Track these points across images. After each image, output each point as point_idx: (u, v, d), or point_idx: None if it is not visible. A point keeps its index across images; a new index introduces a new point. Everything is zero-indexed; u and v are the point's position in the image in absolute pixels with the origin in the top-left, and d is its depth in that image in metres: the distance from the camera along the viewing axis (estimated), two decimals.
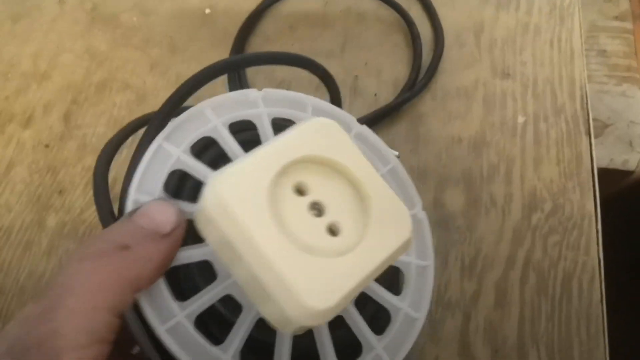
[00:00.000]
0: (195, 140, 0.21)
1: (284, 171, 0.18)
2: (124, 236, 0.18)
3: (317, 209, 0.19)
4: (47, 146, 0.41)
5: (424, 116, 0.38)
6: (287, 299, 0.17)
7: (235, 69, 0.19)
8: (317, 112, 0.24)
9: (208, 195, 0.17)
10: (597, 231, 0.34)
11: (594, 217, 0.34)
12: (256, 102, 0.23)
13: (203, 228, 0.18)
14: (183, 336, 0.18)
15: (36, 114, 0.42)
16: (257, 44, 0.43)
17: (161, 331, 0.18)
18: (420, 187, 0.36)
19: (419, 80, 0.39)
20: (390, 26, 0.43)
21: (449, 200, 0.35)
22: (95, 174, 0.21)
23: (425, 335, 0.32)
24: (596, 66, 0.72)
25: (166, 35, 0.45)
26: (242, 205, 0.17)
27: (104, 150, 0.21)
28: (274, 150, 0.18)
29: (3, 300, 0.35)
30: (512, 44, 0.40)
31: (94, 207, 0.38)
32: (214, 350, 0.18)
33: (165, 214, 0.19)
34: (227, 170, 0.17)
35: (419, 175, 0.36)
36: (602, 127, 0.67)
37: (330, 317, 0.17)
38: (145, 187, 0.20)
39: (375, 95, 0.39)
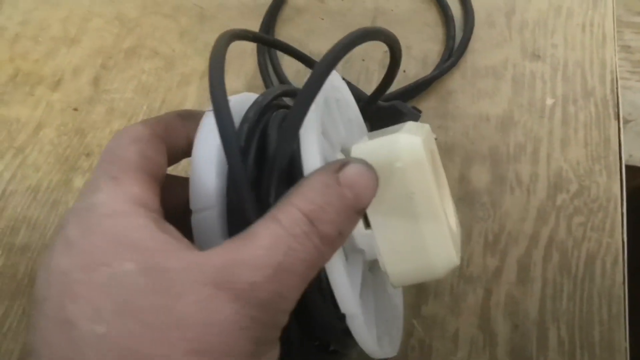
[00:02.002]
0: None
1: None
2: (339, 218, 0.17)
3: None
4: (75, 109, 0.41)
5: (453, 93, 0.38)
6: (442, 251, 0.20)
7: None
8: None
9: (405, 151, 0.19)
10: (622, 214, 0.34)
11: (619, 200, 0.34)
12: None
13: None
14: None
15: (65, 78, 0.43)
16: (288, 16, 0.43)
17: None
18: (447, 163, 0.36)
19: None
20: (421, 4, 0.43)
21: (474, 176, 0.35)
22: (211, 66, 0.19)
23: (446, 308, 0.32)
24: (619, 61, 0.71)
25: (196, 4, 0.45)
26: (428, 165, 0.19)
27: (219, 45, 0.20)
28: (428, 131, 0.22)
29: (29, 256, 0.36)
30: (543, 26, 0.40)
31: None
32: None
33: (369, 188, 0.18)
34: (415, 135, 0.20)
35: (446, 151, 0.36)
36: (623, 123, 0.66)
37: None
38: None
39: (405, 71, 0.39)
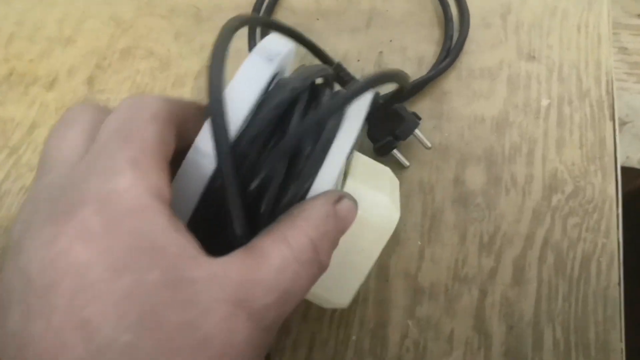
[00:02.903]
0: None
1: None
2: (331, 248, 0.19)
3: None
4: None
5: (448, 94, 0.38)
6: (343, 296, 0.23)
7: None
8: None
9: (379, 216, 0.22)
10: (617, 215, 0.34)
11: (615, 201, 0.34)
12: None
13: None
14: None
15: (60, 78, 0.43)
16: (283, 17, 0.43)
17: None
18: (441, 164, 0.36)
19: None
20: (417, 5, 0.43)
21: (469, 178, 0.35)
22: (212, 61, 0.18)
23: (441, 309, 0.32)
24: (616, 63, 0.71)
25: (191, 5, 0.45)
26: (387, 239, 0.23)
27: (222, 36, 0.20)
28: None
29: None
30: (538, 27, 0.40)
31: None
32: None
33: (353, 218, 0.20)
34: (396, 208, 0.23)
35: (440, 152, 0.36)
36: (620, 125, 0.66)
37: None
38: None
39: None
